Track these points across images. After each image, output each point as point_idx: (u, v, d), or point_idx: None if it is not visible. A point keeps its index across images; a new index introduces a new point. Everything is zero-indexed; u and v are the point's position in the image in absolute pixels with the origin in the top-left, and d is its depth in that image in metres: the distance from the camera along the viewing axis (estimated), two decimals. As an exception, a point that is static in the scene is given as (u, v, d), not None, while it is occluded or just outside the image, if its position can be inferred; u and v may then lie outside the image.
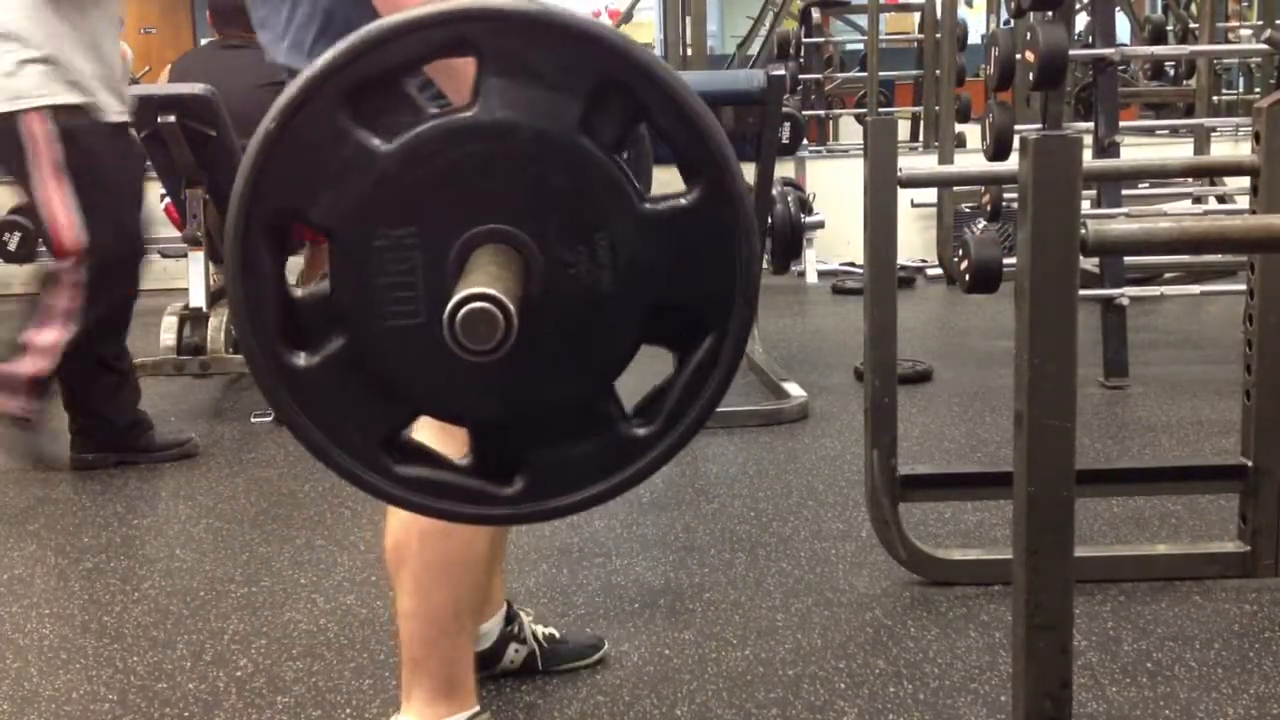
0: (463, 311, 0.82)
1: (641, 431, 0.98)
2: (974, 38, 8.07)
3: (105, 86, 2.98)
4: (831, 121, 8.66)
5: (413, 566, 1.53)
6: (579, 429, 0.98)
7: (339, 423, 0.97)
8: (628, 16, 8.73)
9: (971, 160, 5.48)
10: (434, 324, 0.86)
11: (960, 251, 3.15)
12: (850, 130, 8.73)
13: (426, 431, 1.00)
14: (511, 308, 0.82)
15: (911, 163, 4.50)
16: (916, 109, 7.60)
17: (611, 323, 0.95)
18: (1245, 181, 2.23)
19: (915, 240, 5.98)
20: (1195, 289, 4.15)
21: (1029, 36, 3.74)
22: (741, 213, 0.95)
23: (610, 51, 0.91)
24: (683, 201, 0.94)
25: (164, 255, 5.97)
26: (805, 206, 5.55)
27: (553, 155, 0.91)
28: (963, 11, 7.04)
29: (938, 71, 6.07)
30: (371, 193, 0.91)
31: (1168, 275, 4.38)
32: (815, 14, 8.22)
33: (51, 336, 2.96)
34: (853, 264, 5.89)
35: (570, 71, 0.91)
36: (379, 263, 0.92)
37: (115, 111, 3.01)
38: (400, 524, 1.52)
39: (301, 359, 0.95)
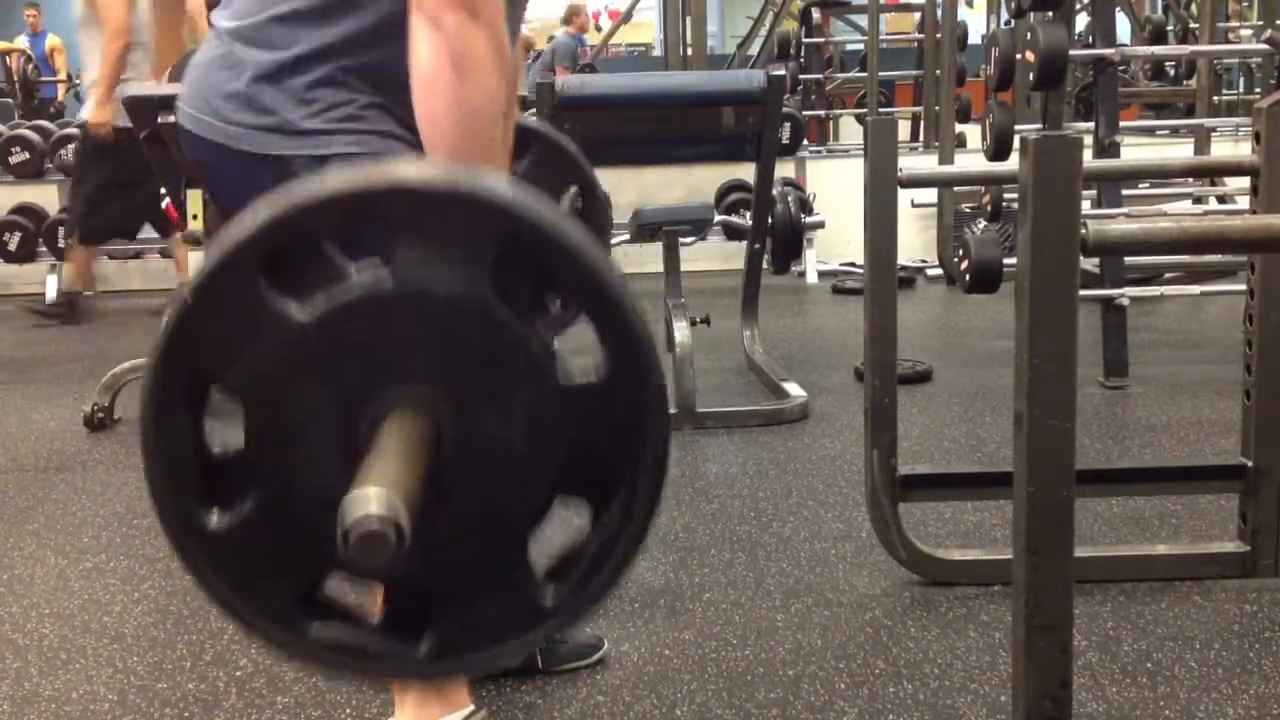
0: (353, 535, 0.82)
1: (550, 594, 0.98)
2: (974, 38, 8.07)
3: None
4: (831, 121, 8.66)
5: None
6: (491, 587, 0.99)
7: (253, 582, 0.97)
8: (627, 16, 8.75)
9: (971, 160, 5.48)
10: (342, 481, 0.87)
11: (960, 251, 3.16)
12: (850, 130, 8.74)
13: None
14: (403, 522, 0.83)
15: (912, 163, 4.50)
16: (916, 109, 7.60)
17: (523, 484, 0.96)
18: (1245, 181, 2.23)
19: (915, 240, 5.98)
20: (1195, 289, 4.15)
21: (1029, 36, 3.74)
22: (652, 389, 0.95)
23: (515, 219, 0.92)
24: (597, 379, 0.94)
25: (164, 255, 5.98)
26: (805, 206, 5.56)
27: (466, 320, 0.93)
28: (963, 12, 7.05)
29: (938, 71, 6.07)
30: (287, 358, 0.93)
31: (1168, 275, 4.38)
32: (815, 14, 8.23)
33: None
34: (853, 264, 5.89)
35: (472, 235, 0.92)
36: (293, 425, 0.94)
37: None
38: None
39: (215, 518, 0.96)
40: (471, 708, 1.61)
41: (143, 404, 0.95)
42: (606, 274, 0.93)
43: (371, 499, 0.83)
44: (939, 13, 6.23)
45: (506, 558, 0.98)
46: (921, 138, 7.23)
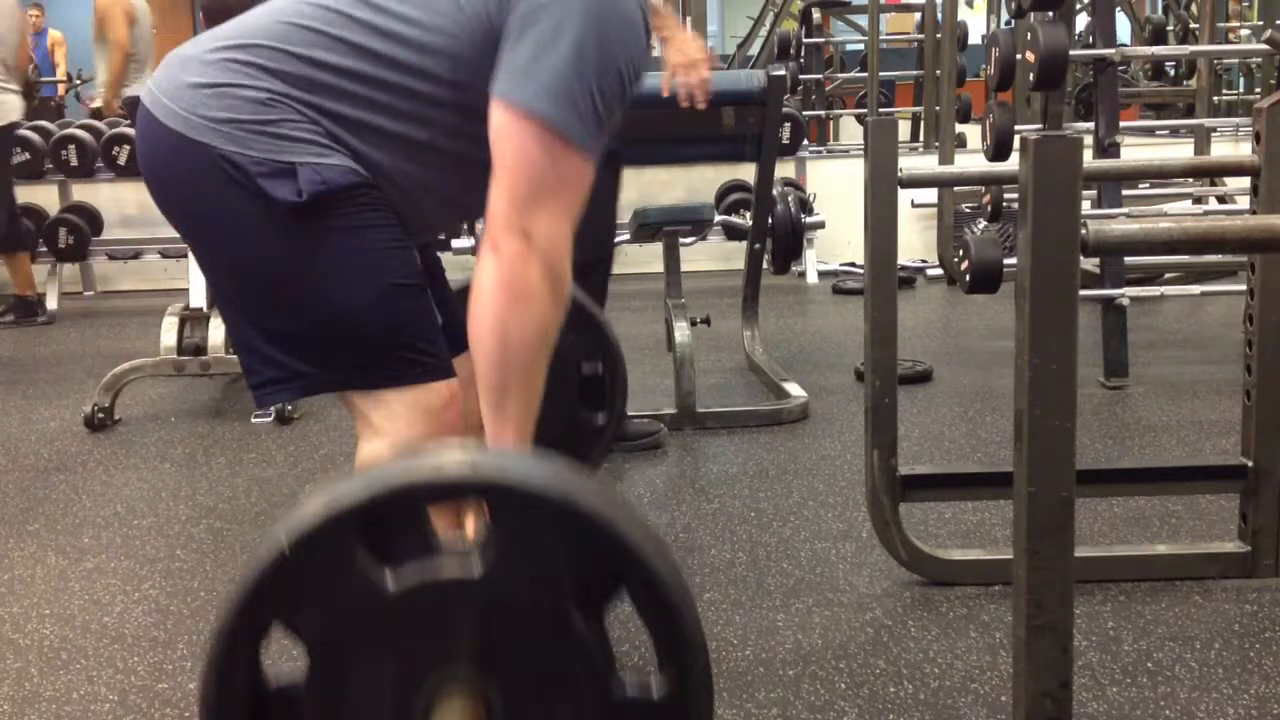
0: None
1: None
2: (974, 38, 8.07)
3: None
4: (831, 121, 8.66)
5: None
6: None
7: None
8: (628, 17, 8.72)
9: (972, 160, 5.47)
10: None
11: (960, 251, 3.15)
12: (850, 130, 8.74)
13: None
14: None
15: (912, 163, 4.50)
16: (916, 109, 7.60)
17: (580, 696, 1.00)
18: (1245, 181, 2.23)
19: (915, 240, 5.98)
20: (1195, 289, 4.15)
21: (1029, 37, 3.74)
22: (704, 704, 1.00)
23: (616, 542, 0.96)
24: (653, 697, 0.99)
25: (164, 255, 5.98)
26: (805, 206, 5.56)
27: (542, 624, 0.97)
28: (963, 12, 7.05)
29: (938, 72, 6.07)
30: (365, 622, 0.97)
31: (1168, 275, 4.38)
32: (815, 14, 8.23)
33: None
34: (853, 264, 5.89)
35: (576, 550, 0.97)
36: (352, 682, 0.98)
37: None
38: None
39: None
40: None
41: (217, 639, 0.98)
42: (683, 606, 0.99)
43: None
44: (939, 13, 6.22)
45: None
46: (921, 138, 7.23)
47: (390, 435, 1.39)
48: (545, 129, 1.30)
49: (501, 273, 1.28)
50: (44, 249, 5.91)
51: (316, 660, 0.98)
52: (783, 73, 3.63)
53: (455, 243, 5.28)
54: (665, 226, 3.68)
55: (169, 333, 3.83)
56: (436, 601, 0.96)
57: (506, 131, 1.31)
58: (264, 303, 1.44)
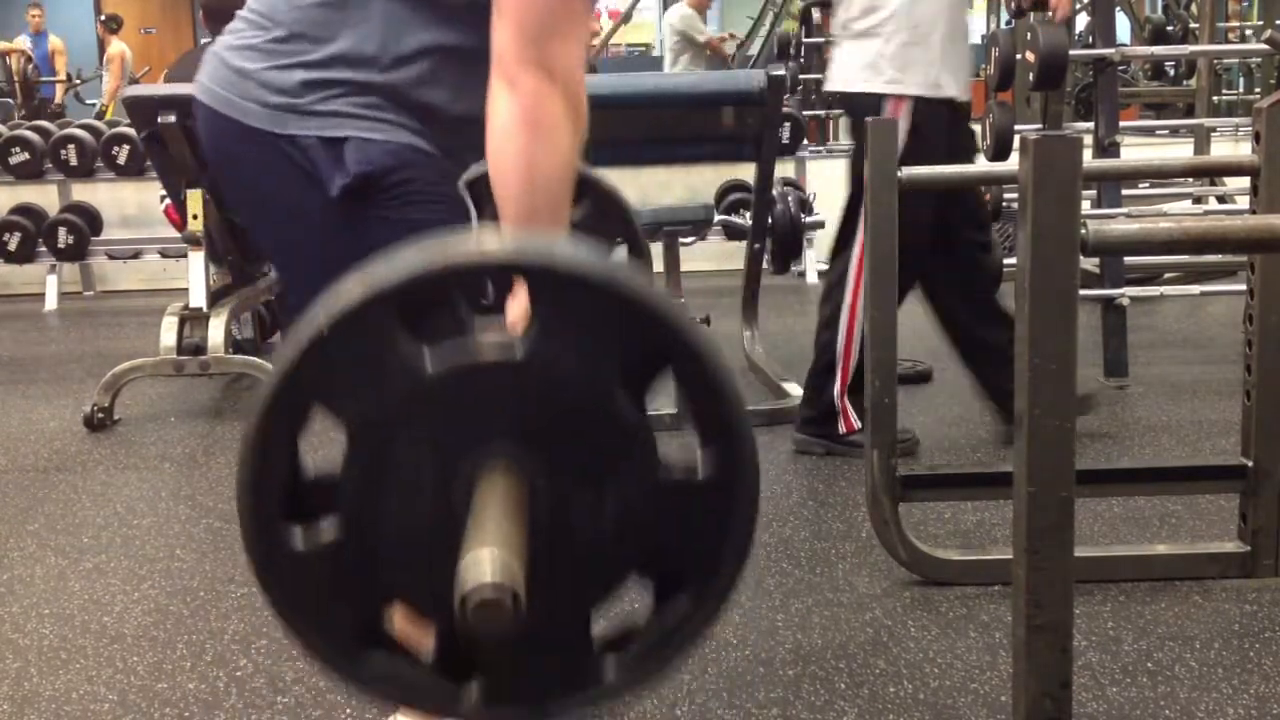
0: (472, 602, 0.84)
1: (606, 669, 1.00)
2: (974, 38, 8.06)
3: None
4: (832, 121, 8.65)
5: None
6: (547, 650, 1.00)
7: (320, 606, 0.99)
8: (627, 17, 8.75)
9: (971, 160, 5.47)
10: (428, 522, 0.92)
11: (960, 251, 3.15)
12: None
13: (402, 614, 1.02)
14: (522, 596, 0.85)
15: (911, 163, 4.49)
16: (916, 109, 7.58)
17: (600, 564, 0.99)
18: (1245, 181, 2.23)
19: (915, 240, 5.97)
20: (1195, 289, 4.15)
21: (1029, 37, 3.75)
22: (751, 483, 1.01)
23: (653, 319, 0.95)
24: (699, 476, 0.98)
25: (164, 255, 5.98)
26: (805, 206, 5.55)
27: (585, 404, 0.95)
28: (963, 12, 7.03)
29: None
30: (406, 404, 0.95)
31: (1168, 275, 4.38)
32: (815, 14, 8.22)
33: None
34: (853, 264, 5.88)
35: (613, 327, 0.95)
36: (393, 464, 0.96)
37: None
38: None
39: (297, 537, 0.97)
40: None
41: (255, 418, 0.95)
42: (728, 384, 0.96)
43: (486, 565, 0.85)
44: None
45: (569, 626, 1.00)
46: (921, 138, 7.22)
47: None
48: None
49: (523, 107, 1.23)
50: (44, 249, 5.91)
51: (356, 443, 0.96)
52: (783, 73, 3.64)
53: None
54: (665, 226, 3.69)
55: (168, 332, 3.82)
56: (478, 382, 0.95)
57: None
58: (319, 289, 1.44)
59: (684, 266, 3.71)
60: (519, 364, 0.94)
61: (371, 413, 0.95)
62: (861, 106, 2.93)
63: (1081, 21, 6.85)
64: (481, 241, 0.97)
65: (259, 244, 1.58)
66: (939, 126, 2.97)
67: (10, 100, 10.02)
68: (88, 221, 6.00)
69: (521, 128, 1.24)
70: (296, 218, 1.41)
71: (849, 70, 3.05)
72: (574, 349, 0.95)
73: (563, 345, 0.94)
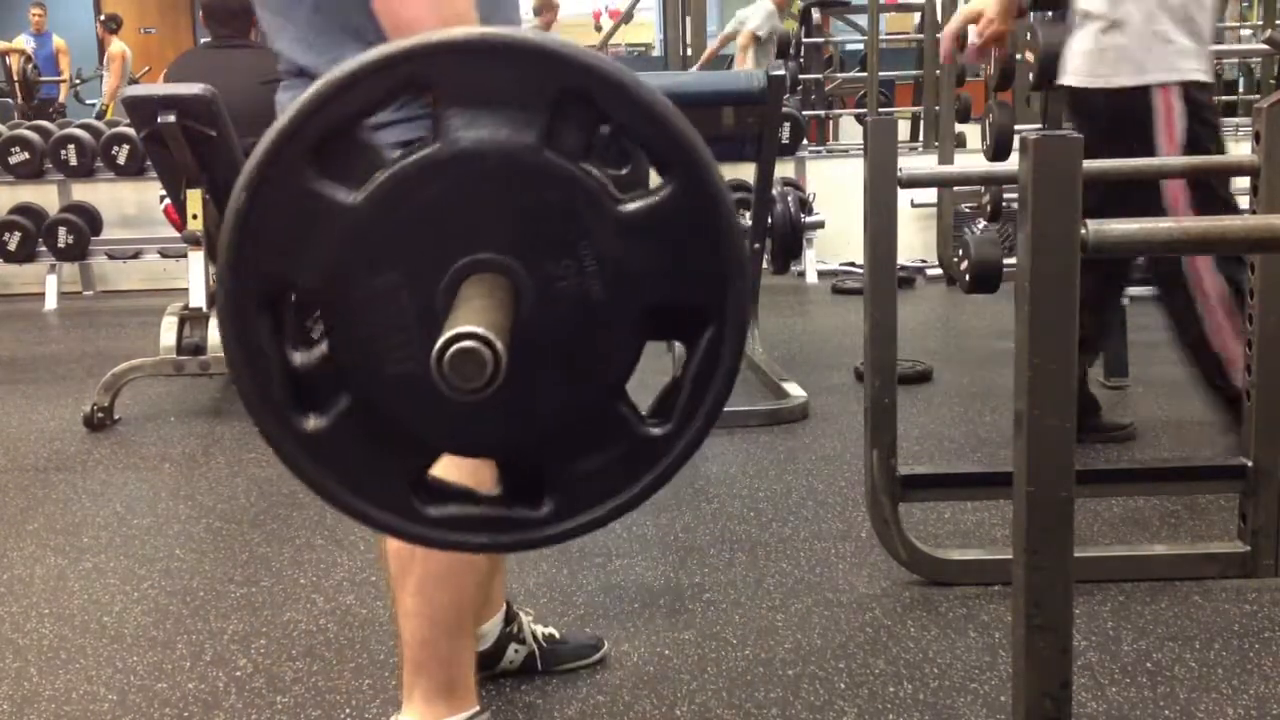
0: (448, 354, 0.81)
1: (658, 431, 0.99)
2: (974, 38, 8.06)
3: None
4: (831, 121, 8.66)
5: (416, 567, 1.53)
6: (598, 439, 0.98)
7: (362, 476, 0.97)
8: (628, 16, 8.74)
9: (971, 160, 5.47)
10: (425, 363, 0.86)
11: (960, 251, 3.15)
12: (850, 130, 8.74)
13: (453, 466, 1.00)
14: (497, 341, 0.82)
15: (911, 163, 4.50)
16: (916, 109, 7.60)
17: (611, 328, 0.95)
18: (1245, 181, 2.23)
19: (915, 240, 5.98)
20: (1195, 289, 4.14)
21: (1029, 36, 3.74)
22: (718, 199, 0.93)
23: (562, 63, 0.91)
24: (658, 197, 0.92)
25: (164, 255, 5.98)
26: (805, 206, 5.55)
27: (520, 175, 0.91)
28: (963, 11, 7.03)
29: (938, 71, 6.07)
30: (348, 247, 0.92)
31: (1168, 275, 4.37)
32: (815, 14, 8.23)
33: None
34: (853, 264, 5.89)
35: (525, 89, 0.91)
36: (370, 314, 0.93)
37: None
38: None
39: (312, 421, 0.95)
40: (477, 708, 1.61)
41: (222, 325, 0.94)
42: (659, 103, 0.91)
43: (464, 321, 0.82)
44: (939, 13, 6.22)
45: (607, 407, 0.97)
46: (921, 138, 7.23)
47: None
48: None
49: None
50: (44, 249, 5.91)
51: (328, 311, 0.94)
52: (783, 73, 3.63)
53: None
54: (665, 226, 3.68)
55: (168, 332, 3.82)
56: (409, 197, 0.91)
57: None
58: None
59: (684, 266, 3.70)
60: (442, 163, 0.90)
61: (325, 271, 0.92)
62: (1120, 102, 2.73)
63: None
64: (361, 55, 0.91)
65: None
66: (1212, 108, 2.82)
67: (10, 100, 10.02)
68: (88, 221, 6.00)
69: None
70: None
71: (1102, 64, 2.80)
72: (491, 126, 0.90)
73: (479, 127, 0.90)
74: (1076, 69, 2.87)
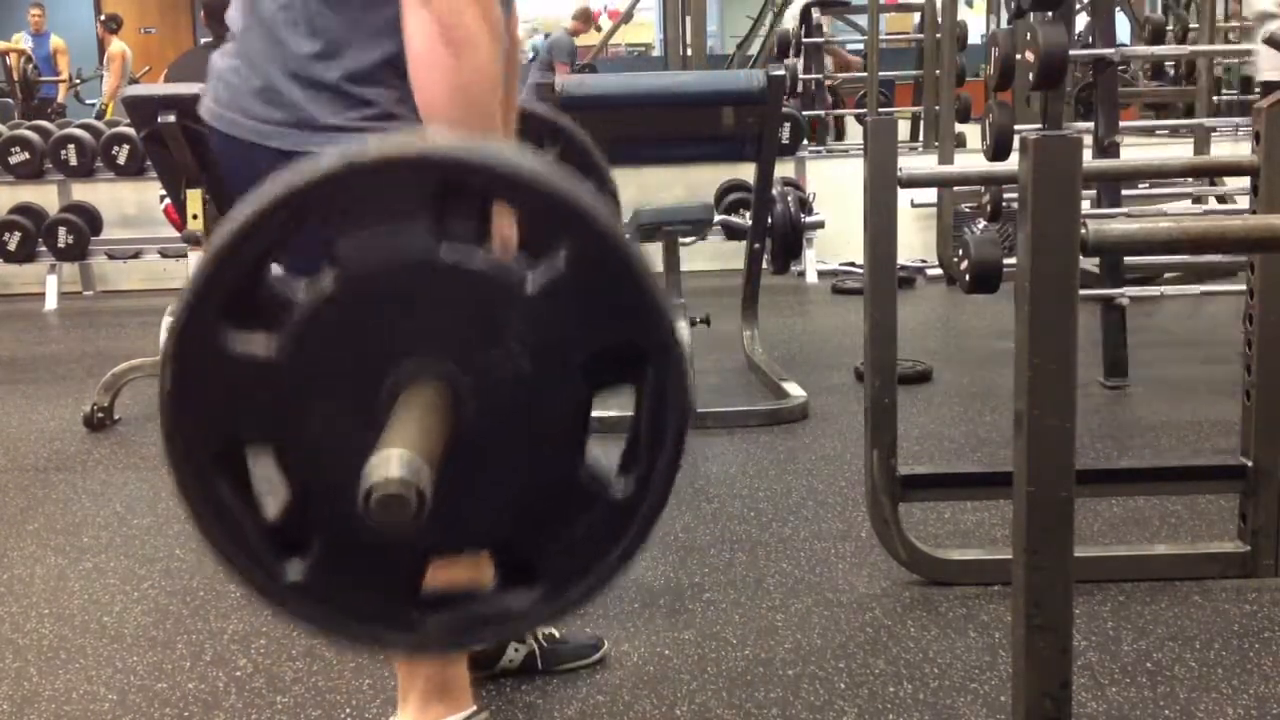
0: (370, 503, 0.83)
1: (624, 489, 0.98)
2: (974, 38, 8.07)
3: None
4: (834, 121, 8.65)
5: None
6: (572, 507, 0.99)
7: (358, 606, 0.98)
8: (628, 16, 8.76)
9: (971, 160, 5.47)
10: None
11: (960, 251, 3.16)
12: (850, 130, 8.73)
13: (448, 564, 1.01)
14: (425, 486, 0.83)
15: (911, 163, 4.49)
16: (916, 109, 7.60)
17: (552, 397, 0.96)
18: (1245, 181, 2.23)
19: (915, 240, 5.98)
20: (1195, 289, 4.15)
21: (1029, 36, 3.74)
22: (614, 245, 0.94)
23: (428, 163, 0.91)
24: (560, 265, 0.92)
25: (164, 255, 5.98)
26: (805, 206, 5.55)
27: (421, 281, 0.92)
28: (963, 12, 7.04)
29: (938, 71, 6.07)
30: (279, 395, 0.92)
31: (1168, 275, 4.38)
32: (815, 14, 8.22)
33: None
34: (853, 264, 5.89)
35: (401, 197, 0.91)
36: (318, 451, 0.94)
37: None
38: None
39: (295, 568, 0.95)
40: (474, 708, 1.61)
41: (181, 493, 0.94)
42: (523, 171, 0.91)
43: (391, 460, 0.83)
44: (939, 13, 6.22)
45: (572, 475, 0.98)
46: (921, 138, 7.23)
47: None
48: None
49: (439, 24, 1.22)
50: (44, 249, 5.91)
51: (281, 459, 0.95)
52: (783, 73, 3.64)
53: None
54: (665, 226, 3.68)
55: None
56: (320, 339, 0.92)
57: None
58: None
59: (684, 266, 3.71)
60: (343, 294, 0.91)
61: (266, 420, 0.93)
62: None
63: (1081, 21, 6.85)
64: (239, 208, 0.92)
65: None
66: None
67: (10, 100, 10.02)
68: (88, 221, 6.00)
69: (440, 46, 1.22)
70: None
71: None
72: (381, 238, 0.91)
73: (368, 242, 0.90)
74: (1276, 66, 3.06)
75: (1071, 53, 3.79)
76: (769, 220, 3.92)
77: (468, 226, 0.92)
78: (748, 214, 4.11)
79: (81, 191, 6.27)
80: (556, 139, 1.94)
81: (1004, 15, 7.60)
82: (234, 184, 1.43)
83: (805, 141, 6.58)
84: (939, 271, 5.71)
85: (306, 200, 0.91)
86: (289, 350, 0.92)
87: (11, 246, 5.90)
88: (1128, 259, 3.87)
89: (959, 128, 6.14)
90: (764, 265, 4.06)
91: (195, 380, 0.92)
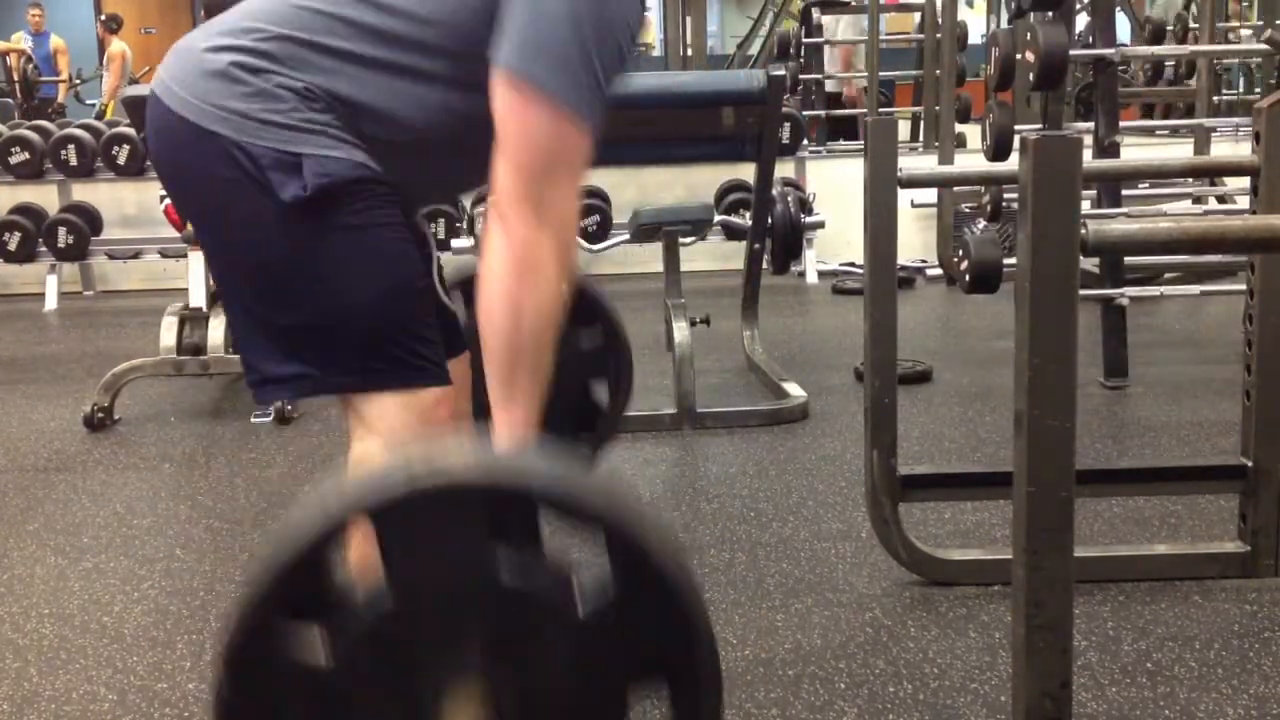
0: None
1: None
2: (974, 38, 8.07)
3: None
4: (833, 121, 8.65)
5: None
6: None
7: None
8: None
9: (971, 160, 5.47)
10: None
11: (960, 251, 3.15)
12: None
13: None
14: None
15: (911, 163, 4.50)
16: (916, 109, 7.60)
17: (593, 706, 1.00)
18: (1245, 181, 2.23)
19: (915, 240, 5.98)
20: (1195, 289, 4.14)
21: (1029, 36, 3.74)
22: (663, 575, 0.98)
23: (492, 489, 0.96)
24: (609, 596, 0.97)
25: (164, 255, 5.98)
26: (805, 206, 5.55)
27: (474, 597, 0.96)
28: (963, 12, 7.05)
29: (938, 71, 6.07)
30: (327, 701, 0.95)
31: (1168, 275, 4.38)
32: (815, 14, 8.22)
33: None
34: (853, 264, 5.89)
35: (463, 521, 0.95)
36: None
37: None
38: None
39: None
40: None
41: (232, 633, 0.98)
42: (582, 493, 0.96)
43: None
44: (939, 13, 6.22)
45: None
46: (921, 138, 7.23)
47: (383, 434, 1.39)
48: (550, 103, 1.29)
49: (513, 250, 1.29)
50: (44, 249, 5.91)
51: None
52: (783, 73, 3.64)
53: (455, 243, 5.28)
54: (665, 226, 3.68)
55: (168, 332, 3.82)
56: (379, 648, 0.96)
57: (511, 107, 1.31)
58: (268, 299, 1.43)
59: (684, 266, 3.71)
60: (400, 608, 0.95)
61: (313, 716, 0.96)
62: None
63: (1081, 21, 6.85)
64: (302, 519, 0.97)
65: (207, 256, 1.53)
66: None
67: (10, 100, 10.02)
68: (88, 221, 6.00)
69: (512, 270, 1.29)
70: (250, 226, 1.40)
71: None
72: (442, 555, 0.95)
73: (429, 560, 0.95)
74: None
75: (1071, 53, 3.79)
76: (769, 220, 3.92)
77: (523, 537, 0.97)
78: (748, 214, 4.11)
79: (81, 191, 6.27)
80: (594, 317, 2.08)
81: (1004, 15, 7.60)
82: (167, 156, 1.46)
83: (805, 142, 6.58)
84: (939, 271, 5.72)
85: (370, 514, 0.95)
86: (345, 660, 0.95)
87: (11, 246, 5.90)
88: (1128, 259, 3.87)
89: (959, 128, 6.14)
90: (764, 265, 4.06)
91: (251, 687, 0.96)
